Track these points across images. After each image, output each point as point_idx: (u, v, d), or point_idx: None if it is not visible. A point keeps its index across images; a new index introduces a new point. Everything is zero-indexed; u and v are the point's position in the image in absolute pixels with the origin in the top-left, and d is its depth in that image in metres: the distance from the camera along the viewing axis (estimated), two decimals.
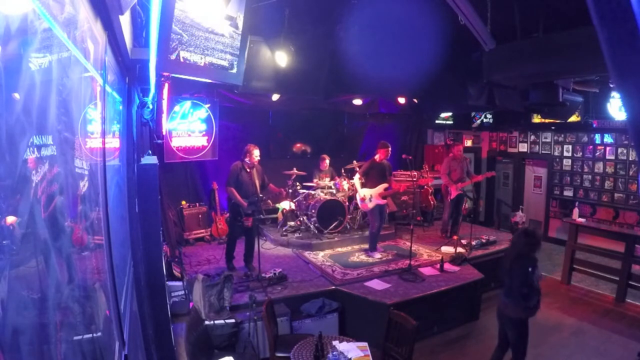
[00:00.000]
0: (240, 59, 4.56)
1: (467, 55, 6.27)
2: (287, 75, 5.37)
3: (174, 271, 4.60)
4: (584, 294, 6.17)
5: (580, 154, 8.22)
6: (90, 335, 1.30)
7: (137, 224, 2.67)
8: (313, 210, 6.70)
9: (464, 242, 6.56)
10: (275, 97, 6.63)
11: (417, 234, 7.03)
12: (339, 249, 6.54)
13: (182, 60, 3.83)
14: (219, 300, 4.32)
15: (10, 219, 0.79)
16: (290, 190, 7.04)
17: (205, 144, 6.68)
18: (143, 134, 3.65)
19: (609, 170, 7.73)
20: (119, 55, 2.47)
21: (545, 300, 4.07)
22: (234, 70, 4.55)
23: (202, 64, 4.08)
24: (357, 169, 7.37)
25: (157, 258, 2.87)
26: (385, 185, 6.06)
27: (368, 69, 5.37)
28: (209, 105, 6.60)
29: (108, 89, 1.94)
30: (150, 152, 3.41)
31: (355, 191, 6.37)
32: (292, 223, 7.12)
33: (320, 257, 6.14)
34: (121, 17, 1.95)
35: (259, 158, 5.41)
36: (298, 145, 8.46)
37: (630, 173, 7.45)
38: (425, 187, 7.86)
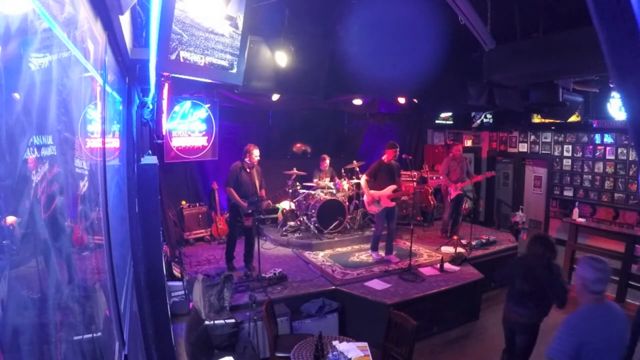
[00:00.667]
0: (240, 59, 4.56)
1: (467, 55, 6.26)
2: (287, 75, 5.37)
3: (174, 271, 4.60)
4: None
5: (580, 154, 8.22)
6: (90, 335, 1.30)
7: (137, 224, 2.67)
8: (313, 210, 6.70)
9: (464, 242, 6.56)
10: (275, 97, 6.63)
11: (417, 234, 7.03)
12: (339, 249, 6.54)
13: (182, 60, 3.83)
14: (219, 300, 4.32)
15: (10, 219, 0.79)
16: (289, 190, 7.05)
17: (205, 144, 6.68)
18: (143, 134, 3.64)
19: (609, 170, 7.73)
20: (119, 55, 2.47)
21: None
22: (234, 70, 4.55)
23: (202, 64, 4.08)
24: (357, 169, 7.39)
25: (157, 258, 2.87)
26: (393, 187, 5.83)
27: (368, 68, 5.37)
28: (209, 105, 6.60)
29: (108, 89, 1.94)
30: (150, 152, 3.41)
31: (358, 192, 6.33)
32: (292, 223, 7.12)
33: (320, 257, 6.14)
34: (121, 17, 1.95)
35: (258, 158, 5.41)
36: (298, 145, 8.46)
37: (630, 173, 7.44)
38: (426, 187, 7.87)
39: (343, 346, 3.23)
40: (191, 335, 3.59)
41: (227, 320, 4.11)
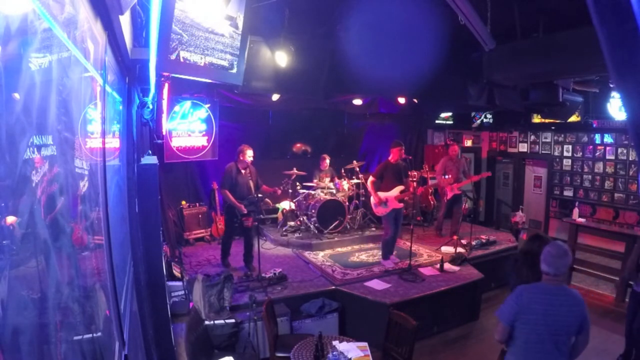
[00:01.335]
0: (240, 59, 4.56)
1: (467, 55, 6.26)
2: (287, 75, 5.37)
3: (174, 271, 4.60)
4: (583, 294, 6.12)
5: (580, 154, 8.22)
6: (90, 335, 1.30)
7: (137, 224, 2.67)
8: (313, 210, 6.70)
9: (464, 242, 6.56)
10: (275, 97, 6.63)
11: (417, 234, 7.03)
12: (339, 249, 6.54)
13: (182, 60, 3.82)
14: (219, 300, 4.32)
15: (10, 219, 0.79)
16: (289, 190, 7.04)
17: (205, 144, 6.68)
18: (143, 134, 3.65)
19: (609, 170, 7.73)
20: (119, 55, 2.47)
21: None
22: (234, 70, 4.55)
23: (202, 64, 4.08)
24: (357, 169, 7.39)
25: (157, 258, 2.87)
26: (401, 187, 5.65)
27: (368, 68, 5.36)
28: (209, 105, 6.60)
29: (108, 89, 1.94)
30: (150, 152, 3.41)
31: (358, 192, 6.30)
32: (292, 223, 7.12)
33: (320, 257, 6.14)
34: (121, 17, 1.95)
35: (252, 158, 5.42)
36: (298, 145, 8.46)
37: (630, 173, 7.45)
38: (426, 186, 7.88)
39: (343, 346, 3.23)
40: (191, 335, 3.59)
41: (227, 320, 4.11)
